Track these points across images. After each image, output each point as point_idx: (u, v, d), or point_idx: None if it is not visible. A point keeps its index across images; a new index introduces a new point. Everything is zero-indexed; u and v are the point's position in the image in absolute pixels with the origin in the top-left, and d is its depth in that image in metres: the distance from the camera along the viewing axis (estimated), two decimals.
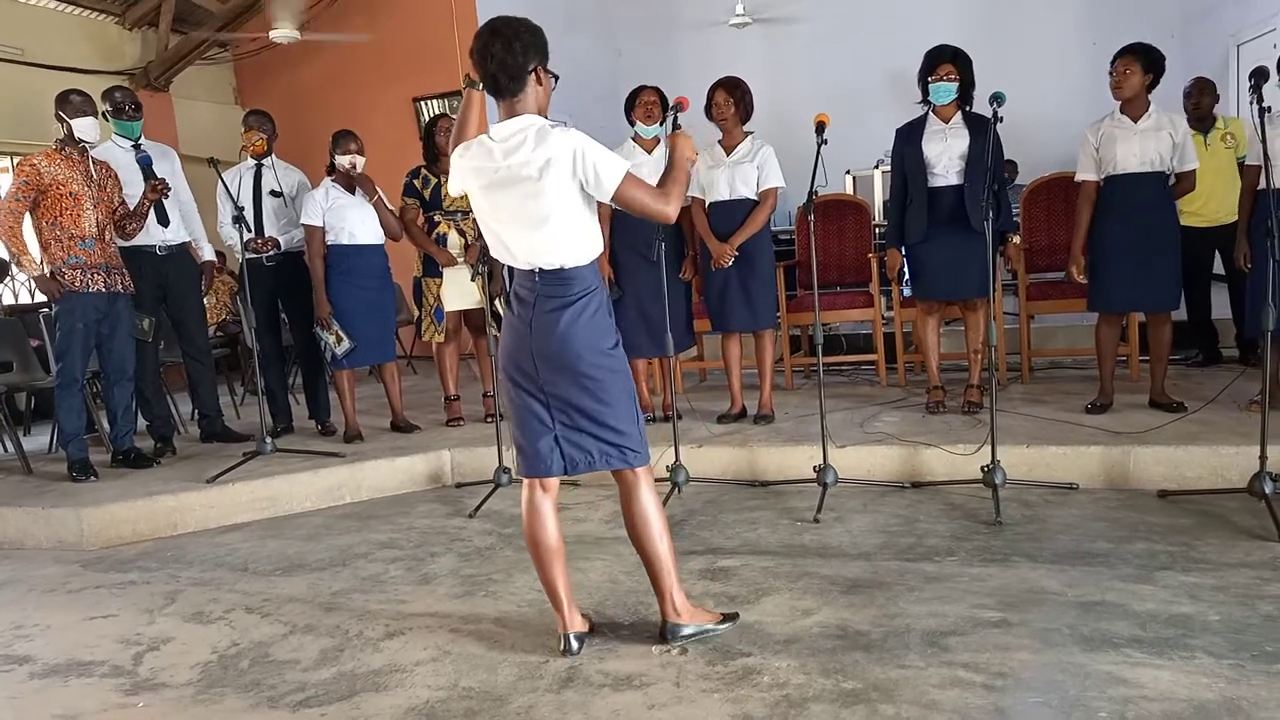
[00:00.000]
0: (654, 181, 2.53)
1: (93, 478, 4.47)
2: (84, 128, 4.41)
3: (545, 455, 2.52)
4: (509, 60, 2.36)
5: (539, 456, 2.52)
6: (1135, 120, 4.17)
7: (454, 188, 2.57)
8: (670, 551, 2.57)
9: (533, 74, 2.40)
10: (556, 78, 2.50)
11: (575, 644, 2.59)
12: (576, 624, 2.62)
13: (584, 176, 2.38)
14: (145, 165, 4.64)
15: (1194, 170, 4.25)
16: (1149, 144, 4.14)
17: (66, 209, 4.37)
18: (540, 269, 2.45)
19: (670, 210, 2.46)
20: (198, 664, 2.74)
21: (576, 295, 2.45)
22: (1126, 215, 4.18)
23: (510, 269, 2.57)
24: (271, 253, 5.06)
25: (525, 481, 2.58)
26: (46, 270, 4.40)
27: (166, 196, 4.70)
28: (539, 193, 2.37)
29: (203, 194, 5.22)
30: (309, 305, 4.97)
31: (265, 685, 2.57)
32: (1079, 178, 4.34)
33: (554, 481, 2.59)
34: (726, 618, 2.68)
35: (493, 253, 2.55)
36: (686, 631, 2.59)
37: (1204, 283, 5.30)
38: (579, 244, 2.45)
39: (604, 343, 2.48)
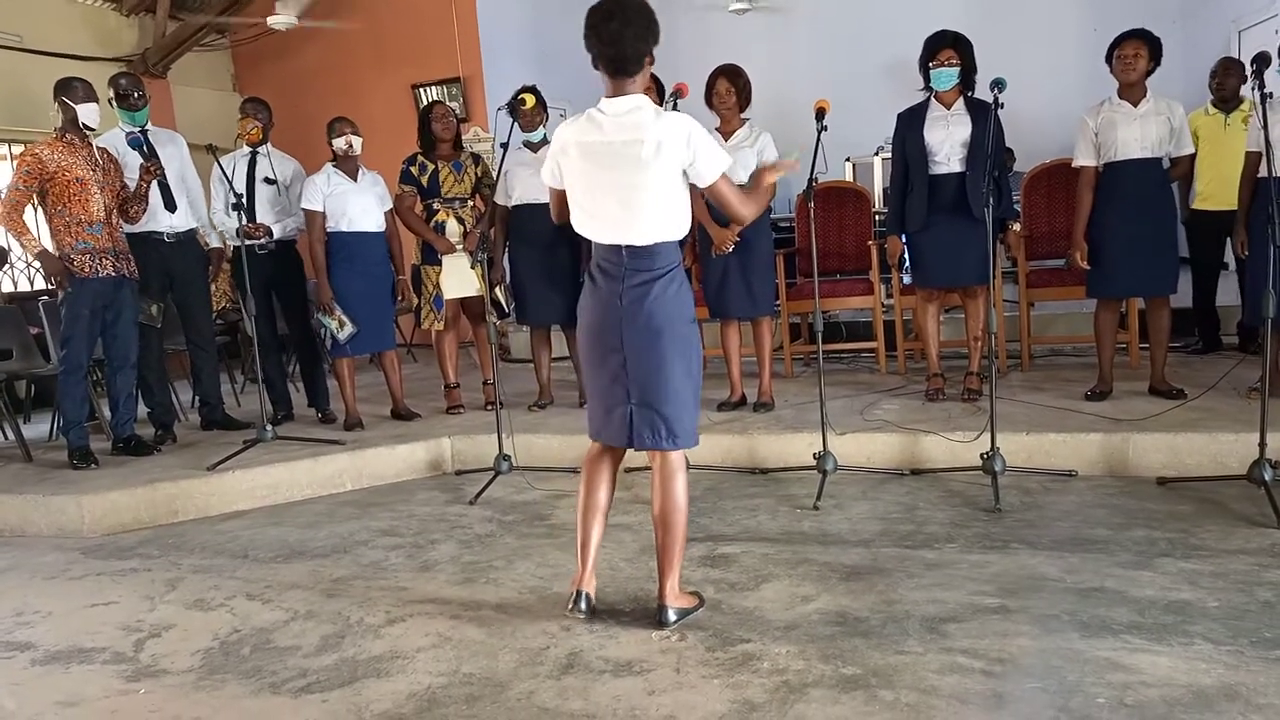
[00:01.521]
0: None
1: (93, 465, 4.47)
2: (89, 113, 4.41)
3: (620, 426, 2.62)
4: (622, 55, 2.45)
5: (613, 426, 2.64)
6: (1135, 105, 4.16)
7: (548, 166, 2.65)
8: (686, 535, 2.68)
9: (648, 58, 2.51)
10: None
11: (584, 603, 2.69)
12: (592, 585, 2.73)
13: (691, 160, 2.50)
14: (137, 146, 4.61)
15: (1191, 155, 4.25)
16: (1149, 128, 4.14)
17: (74, 195, 4.37)
18: (630, 244, 2.54)
19: (747, 216, 2.71)
20: (199, 650, 2.75)
21: (663, 269, 2.56)
22: (1126, 200, 4.17)
23: (591, 245, 2.66)
24: (264, 240, 5.04)
25: (594, 444, 2.73)
26: (53, 249, 4.38)
27: (160, 177, 4.67)
28: (645, 170, 2.47)
29: (201, 180, 5.20)
30: (303, 294, 4.95)
31: (267, 671, 2.58)
32: (1078, 163, 4.32)
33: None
34: (699, 599, 2.78)
35: (577, 227, 2.63)
36: (675, 616, 2.66)
37: (1213, 271, 5.29)
38: (673, 222, 2.57)
39: (688, 314, 2.63)
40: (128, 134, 4.66)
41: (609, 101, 2.51)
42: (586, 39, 2.48)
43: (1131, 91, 4.18)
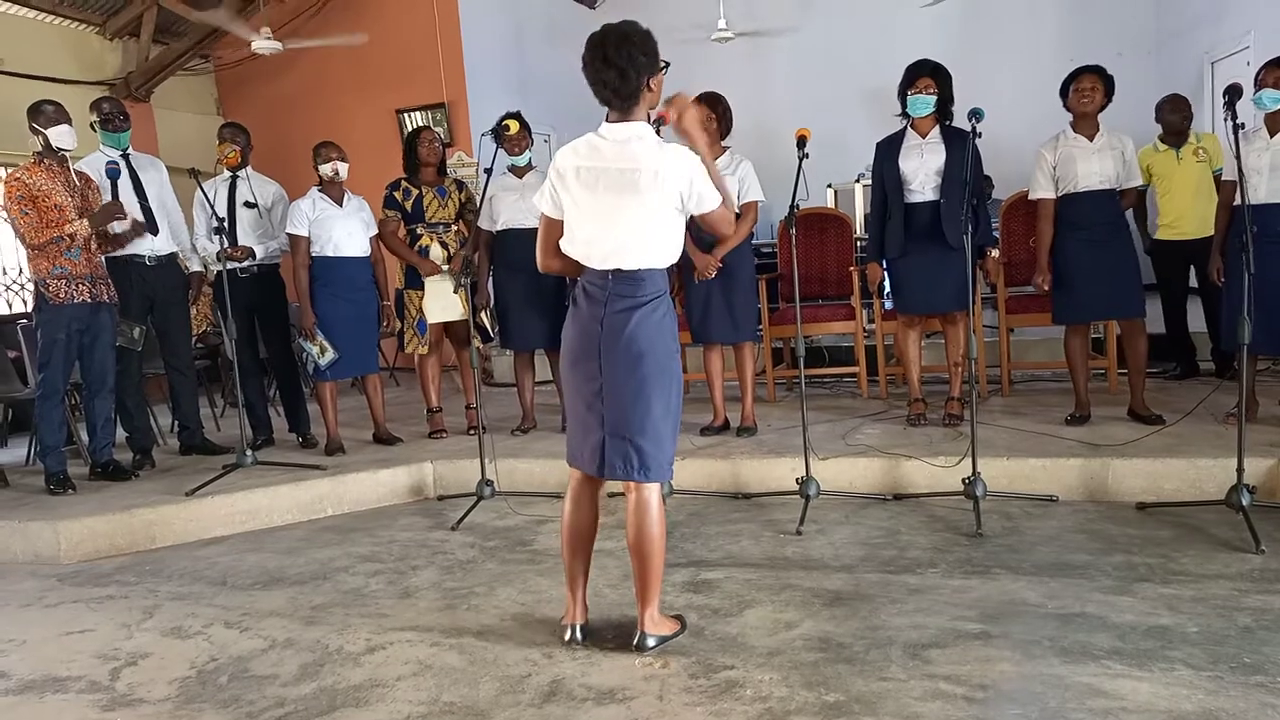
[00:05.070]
0: None
1: (70, 491, 4.42)
2: (60, 135, 4.38)
3: (592, 455, 2.60)
4: (623, 87, 2.46)
5: (586, 454, 2.63)
6: (1090, 139, 4.29)
7: (545, 193, 2.63)
8: (662, 565, 2.65)
9: (644, 87, 2.49)
10: (667, 64, 2.57)
11: (579, 635, 2.71)
12: (583, 617, 2.74)
13: (686, 193, 2.51)
14: (114, 177, 4.58)
15: (1138, 186, 4.40)
16: (1106, 162, 4.29)
17: (52, 221, 4.34)
18: (618, 269, 2.52)
19: (740, 229, 2.83)
20: (175, 679, 2.72)
21: (649, 296, 2.55)
22: (1087, 230, 4.31)
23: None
24: (247, 263, 5.03)
25: (575, 472, 2.70)
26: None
27: (122, 219, 4.63)
28: (642, 198, 2.48)
29: (184, 205, 5.19)
30: (284, 319, 4.92)
31: (244, 701, 2.55)
32: (1036, 196, 4.45)
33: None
34: (680, 623, 2.76)
35: (568, 249, 2.61)
36: (654, 643, 2.65)
37: (1180, 296, 5.37)
38: (664, 249, 2.57)
39: (670, 344, 2.59)
40: (107, 164, 4.63)
41: (610, 127, 2.53)
42: (584, 68, 2.47)
43: (1086, 125, 4.32)
